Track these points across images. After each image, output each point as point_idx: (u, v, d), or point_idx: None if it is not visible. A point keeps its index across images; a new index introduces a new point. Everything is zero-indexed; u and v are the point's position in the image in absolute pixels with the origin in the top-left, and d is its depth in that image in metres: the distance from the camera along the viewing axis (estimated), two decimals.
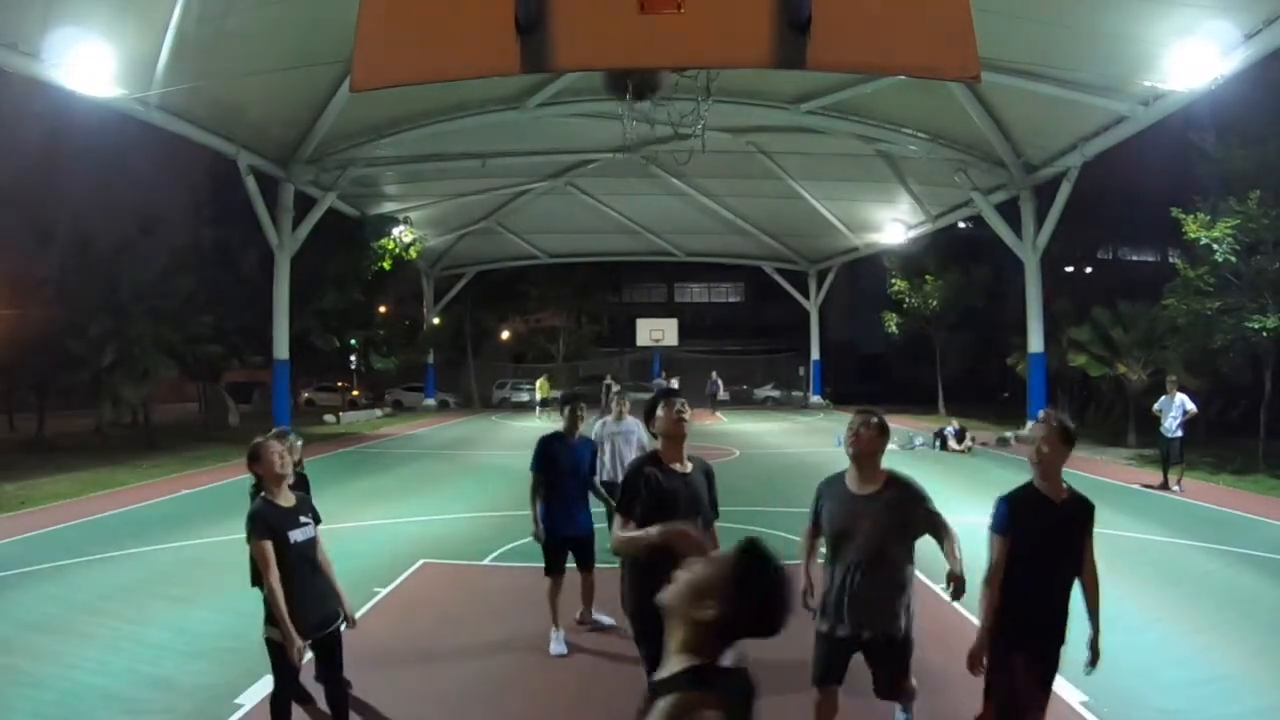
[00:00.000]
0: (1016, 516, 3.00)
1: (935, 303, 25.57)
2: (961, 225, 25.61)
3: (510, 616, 5.59)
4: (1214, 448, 14.83)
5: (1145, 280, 20.91)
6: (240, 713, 4.03)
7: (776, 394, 34.27)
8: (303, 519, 3.45)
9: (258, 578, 3.37)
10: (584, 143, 20.68)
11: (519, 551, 7.18)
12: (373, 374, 27.18)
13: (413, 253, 24.54)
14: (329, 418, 23.96)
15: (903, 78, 10.30)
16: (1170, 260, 18.28)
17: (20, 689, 4.37)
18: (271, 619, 3.29)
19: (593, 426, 6.47)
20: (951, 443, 16.03)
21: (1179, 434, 11.00)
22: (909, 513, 3.18)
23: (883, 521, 3.13)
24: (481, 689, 4.43)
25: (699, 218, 27.23)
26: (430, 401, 30.84)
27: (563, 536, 5.10)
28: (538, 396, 26.96)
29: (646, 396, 3.85)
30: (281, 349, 18.07)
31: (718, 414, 27.00)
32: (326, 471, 12.47)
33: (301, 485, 4.10)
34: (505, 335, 37.08)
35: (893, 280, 27.00)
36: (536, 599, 5.22)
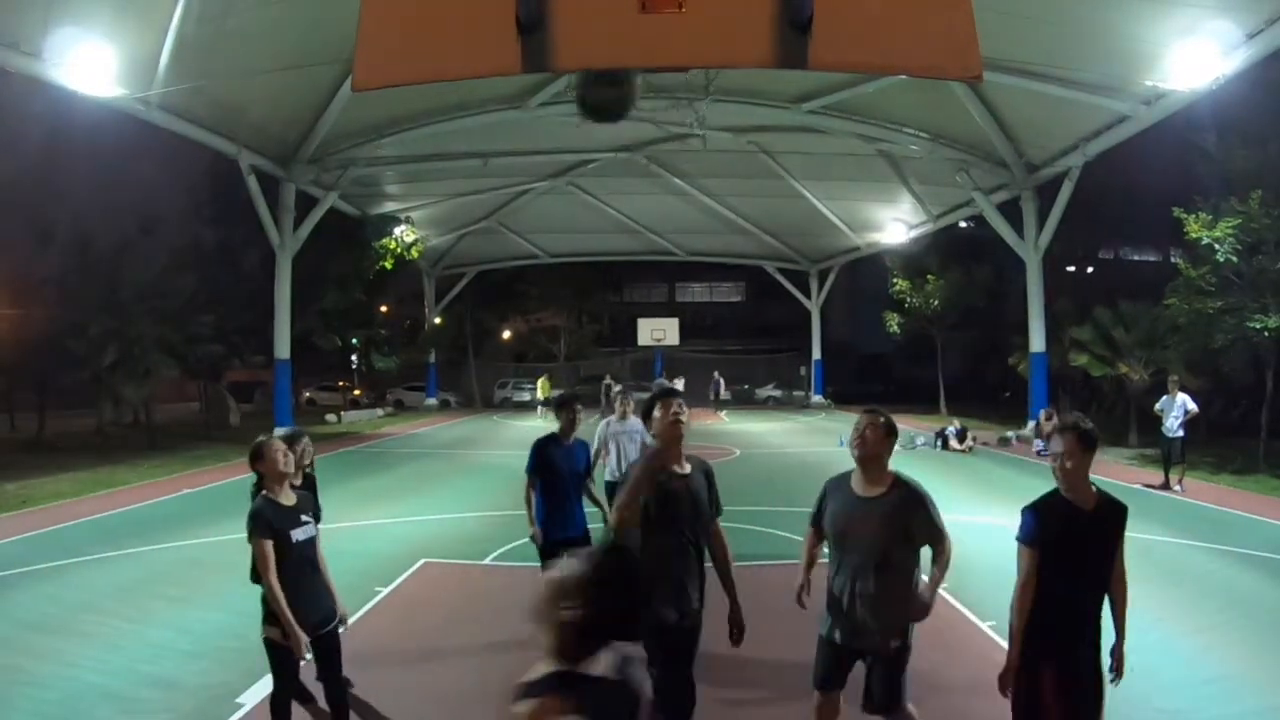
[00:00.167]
0: (1044, 526, 2.85)
1: (936, 302, 25.56)
2: (963, 225, 25.64)
3: (511, 616, 5.53)
4: (1215, 448, 14.81)
5: (1147, 280, 20.87)
6: (241, 712, 4.04)
7: (778, 394, 34.27)
8: (304, 518, 3.45)
9: (258, 575, 3.37)
10: (585, 142, 20.67)
11: (520, 551, 7.17)
12: (374, 373, 27.18)
13: (414, 252, 24.56)
14: (330, 417, 23.99)
15: (904, 77, 10.33)
16: (1172, 260, 18.24)
17: (21, 688, 4.38)
18: (270, 619, 3.30)
19: (596, 426, 6.47)
20: (953, 442, 16.03)
21: (1180, 434, 10.99)
22: (912, 518, 3.07)
23: (885, 525, 3.03)
24: (482, 689, 4.42)
25: (700, 217, 27.23)
26: (431, 401, 30.86)
27: (559, 539, 5.11)
28: (539, 396, 26.98)
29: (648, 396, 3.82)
30: (283, 348, 18.10)
31: (721, 414, 27.01)
32: (328, 471, 12.40)
33: (308, 486, 4.11)
34: (506, 335, 37.10)
35: (894, 280, 26.99)
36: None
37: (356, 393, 30.50)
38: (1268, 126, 12.78)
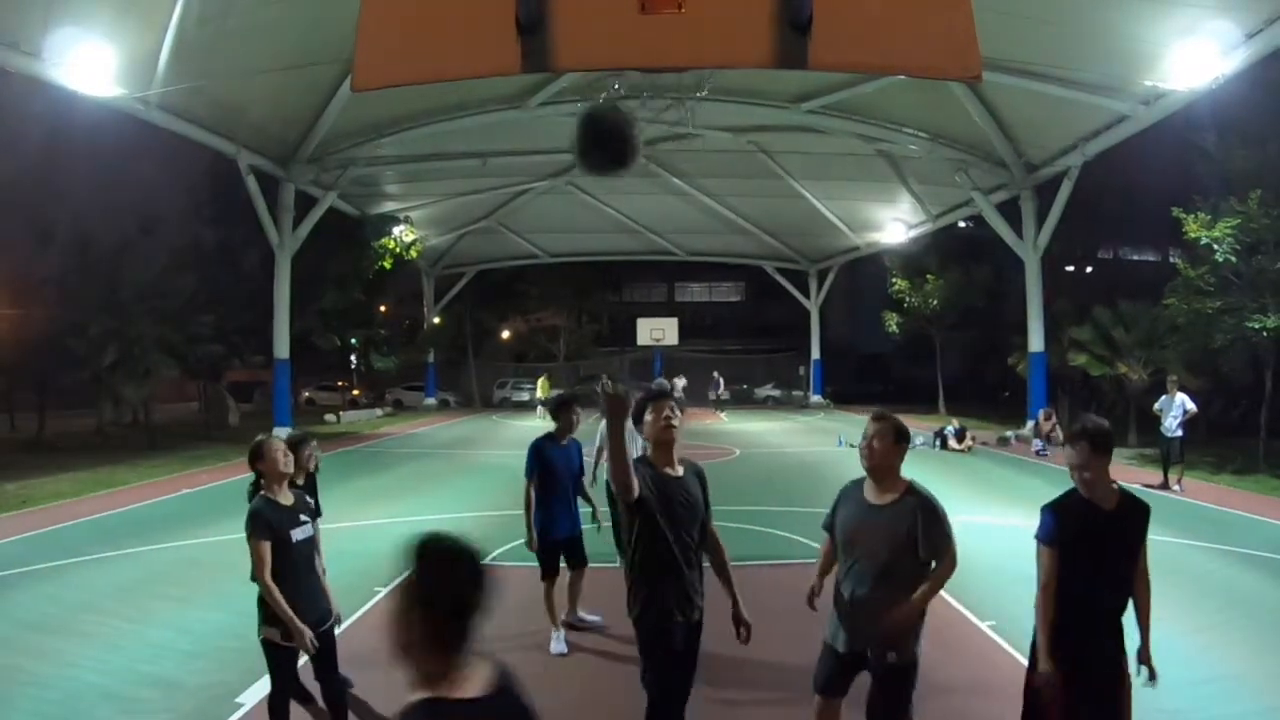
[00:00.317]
0: (1062, 526, 2.82)
1: (936, 302, 25.57)
2: (962, 225, 25.64)
3: (511, 616, 5.57)
4: (1214, 447, 14.82)
5: (1146, 280, 20.90)
6: (241, 712, 4.04)
7: (777, 393, 34.27)
8: (303, 517, 3.46)
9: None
10: None
11: (519, 551, 7.11)
12: (373, 373, 27.18)
13: (413, 252, 24.55)
14: (329, 417, 23.99)
15: (904, 77, 10.32)
16: (1171, 260, 18.27)
17: (22, 688, 4.38)
18: (268, 619, 3.30)
19: (597, 426, 6.45)
20: (952, 442, 16.04)
21: (1179, 433, 11.00)
22: (919, 527, 2.94)
23: (892, 533, 2.94)
24: None
25: (700, 217, 27.23)
26: (431, 401, 30.85)
27: (557, 539, 5.12)
28: (538, 396, 26.97)
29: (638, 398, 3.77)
30: (282, 348, 18.09)
31: (721, 414, 27.02)
32: (327, 471, 12.41)
33: (309, 486, 4.11)
34: (506, 334, 37.08)
35: (893, 280, 26.99)
36: (537, 598, 5.21)
37: (356, 392, 30.50)
38: (1267, 126, 12.79)
